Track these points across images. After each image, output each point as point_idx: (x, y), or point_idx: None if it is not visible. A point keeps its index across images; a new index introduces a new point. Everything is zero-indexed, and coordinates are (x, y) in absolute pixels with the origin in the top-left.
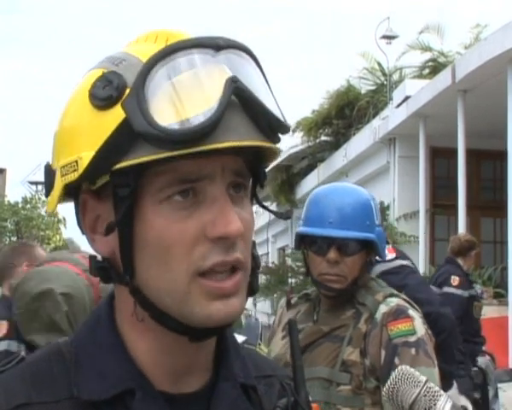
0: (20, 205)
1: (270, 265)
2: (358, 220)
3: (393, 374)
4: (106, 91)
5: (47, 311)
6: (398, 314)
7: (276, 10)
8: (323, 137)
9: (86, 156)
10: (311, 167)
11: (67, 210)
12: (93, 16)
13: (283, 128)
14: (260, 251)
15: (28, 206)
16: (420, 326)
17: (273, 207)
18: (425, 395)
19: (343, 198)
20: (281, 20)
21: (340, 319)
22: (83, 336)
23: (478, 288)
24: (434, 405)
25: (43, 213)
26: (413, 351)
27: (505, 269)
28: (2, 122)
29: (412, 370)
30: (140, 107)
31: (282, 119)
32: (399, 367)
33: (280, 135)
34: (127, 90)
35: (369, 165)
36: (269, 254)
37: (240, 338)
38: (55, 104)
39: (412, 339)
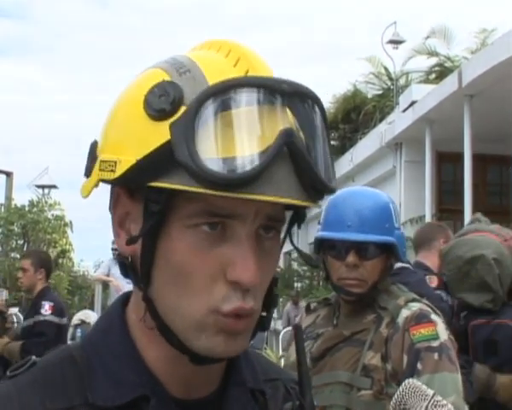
0: (26, 208)
1: (276, 269)
2: (377, 223)
3: (400, 388)
4: (161, 102)
5: (479, 273)
6: (420, 319)
7: (277, 16)
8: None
9: (126, 162)
10: None
11: (74, 214)
12: (98, 24)
13: (328, 191)
14: None
15: (35, 209)
16: (443, 331)
17: None
18: (432, 409)
19: (362, 201)
20: (284, 28)
21: (362, 323)
22: (95, 340)
23: None
24: None
25: (49, 216)
26: (436, 356)
27: None
28: (9, 126)
29: (419, 383)
30: (186, 137)
31: (328, 183)
32: (406, 381)
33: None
34: (182, 108)
35: (375, 169)
36: None
37: None
38: (62, 110)
39: (435, 344)
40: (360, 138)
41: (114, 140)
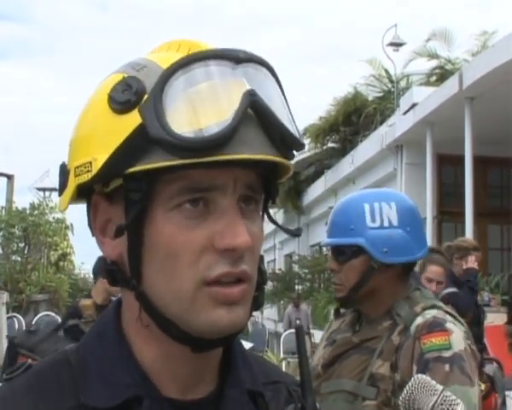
0: (27, 211)
1: (277, 271)
2: (340, 226)
3: (409, 383)
4: (125, 95)
5: None
6: (433, 327)
7: (277, 17)
8: (330, 144)
9: (101, 158)
10: (318, 174)
11: (75, 217)
12: (98, 26)
13: (297, 145)
14: (267, 257)
15: (36, 212)
16: (458, 341)
17: (280, 213)
18: (442, 404)
19: (338, 205)
20: (284, 28)
21: (377, 330)
22: (89, 342)
23: (485, 295)
24: None
25: (50, 219)
26: (447, 367)
27: None
28: (10, 128)
29: (428, 378)
30: (156, 113)
31: (296, 135)
32: (415, 376)
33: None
34: (145, 96)
35: (376, 172)
36: (275, 260)
37: (247, 345)
38: (62, 112)
39: (447, 354)
40: (361, 141)
41: (85, 145)
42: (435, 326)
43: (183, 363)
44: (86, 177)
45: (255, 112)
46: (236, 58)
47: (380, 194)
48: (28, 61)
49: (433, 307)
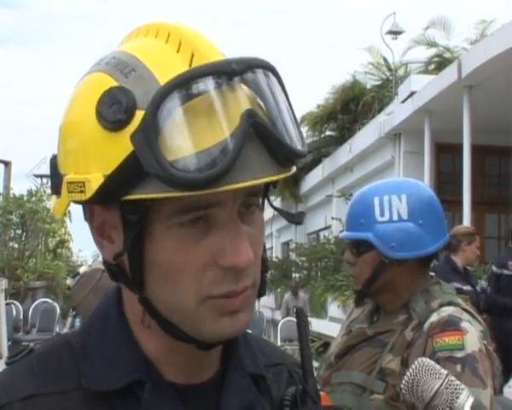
0: (25, 198)
1: (274, 259)
2: (353, 220)
3: (413, 366)
4: (114, 113)
5: None
6: (447, 326)
7: (276, 5)
8: (328, 132)
9: (94, 180)
10: (315, 162)
11: (73, 204)
12: (98, 15)
13: (300, 157)
14: None
15: (33, 199)
16: (472, 341)
17: (277, 202)
18: (446, 388)
19: (353, 198)
20: (285, 15)
21: (392, 323)
22: (92, 327)
23: (483, 283)
24: (457, 398)
25: (48, 206)
26: (458, 368)
27: None
28: (8, 116)
29: (433, 362)
30: (149, 145)
31: (299, 149)
32: (419, 359)
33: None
34: (136, 113)
35: (373, 160)
36: (273, 248)
37: None
38: (60, 100)
39: (459, 355)
40: (359, 129)
41: (75, 158)
42: (449, 325)
43: (186, 354)
44: (80, 196)
45: (256, 132)
46: (231, 71)
47: (393, 186)
48: (27, 50)
49: (450, 303)
